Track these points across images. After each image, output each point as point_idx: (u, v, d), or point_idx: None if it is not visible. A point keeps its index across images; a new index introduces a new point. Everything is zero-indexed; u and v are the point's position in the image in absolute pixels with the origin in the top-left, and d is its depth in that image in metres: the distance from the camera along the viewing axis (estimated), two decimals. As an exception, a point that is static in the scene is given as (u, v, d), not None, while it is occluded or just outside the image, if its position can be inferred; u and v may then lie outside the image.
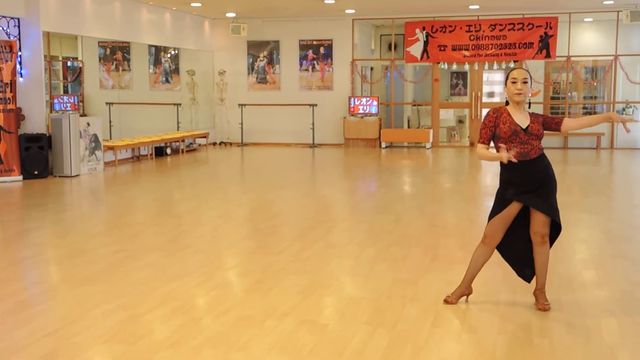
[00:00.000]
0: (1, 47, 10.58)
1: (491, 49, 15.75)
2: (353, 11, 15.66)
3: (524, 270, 4.59)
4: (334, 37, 16.68)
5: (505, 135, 4.31)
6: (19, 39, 11.12)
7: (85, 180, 11.01)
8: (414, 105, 18.29)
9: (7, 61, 10.65)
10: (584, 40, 16.61)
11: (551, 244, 4.52)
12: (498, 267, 4.98)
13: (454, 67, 16.56)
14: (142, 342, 3.95)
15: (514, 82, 4.34)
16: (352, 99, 16.33)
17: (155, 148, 14.26)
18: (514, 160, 4.16)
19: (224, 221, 7.68)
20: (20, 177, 10.80)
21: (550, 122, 4.41)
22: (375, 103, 16.26)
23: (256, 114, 17.10)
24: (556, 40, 15.42)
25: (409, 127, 17.89)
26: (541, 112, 16.98)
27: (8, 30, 10.95)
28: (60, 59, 14.30)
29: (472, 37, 15.84)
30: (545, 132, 4.40)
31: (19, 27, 11.14)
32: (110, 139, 13.39)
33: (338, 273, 5.46)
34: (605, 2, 14.43)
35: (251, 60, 17.23)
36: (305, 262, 5.74)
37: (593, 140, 15.74)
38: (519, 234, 4.50)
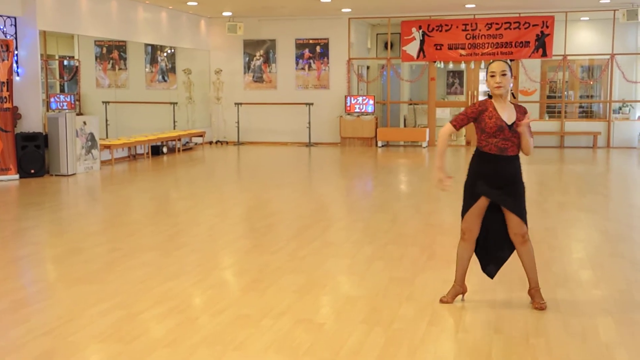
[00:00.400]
0: (-3, 45, 10.57)
1: (487, 47, 15.76)
2: (349, 10, 15.66)
3: (488, 267, 4.60)
4: (330, 36, 16.67)
5: (490, 131, 4.32)
6: (16, 38, 11.09)
7: (82, 179, 10.99)
8: (410, 104, 18.30)
9: (3, 60, 10.63)
10: (581, 39, 16.64)
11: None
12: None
13: (450, 66, 16.58)
14: (138, 341, 3.94)
15: (492, 76, 4.33)
16: (349, 98, 16.33)
17: (152, 147, 14.25)
18: (442, 190, 4.56)
19: (220, 220, 7.67)
20: (17, 176, 10.77)
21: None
22: (371, 102, 16.26)
23: (252, 112, 17.10)
24: (552, 39, 15.44)
25: (405, 126, 17.90)
26: (537, 112, 16.56)
27: (4, 29, 10.93)
28: (57, 57, 14.27)
29: (468, 36, 15.85)
30: None
31: (15, 26, 11.11)
32: (107, 137, 13.38)
33: (334, 272, 5.47)
34: (601, 1, 14.46)
35: (247, 59, 17.22)
36: (302, 261, 5.74)
37: (589, 139, 15.76)
38: (492, 230, 4.50)
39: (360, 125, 16.32)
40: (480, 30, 15.78)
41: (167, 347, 3.85)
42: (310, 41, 16.81)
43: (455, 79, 19.50)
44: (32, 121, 11.28)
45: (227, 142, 17.20)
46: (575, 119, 16.56)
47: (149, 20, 14.71)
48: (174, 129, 15.96)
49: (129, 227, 7.29)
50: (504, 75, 4.29)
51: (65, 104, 13.59)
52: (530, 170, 12.35)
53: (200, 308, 4.60)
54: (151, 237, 6.78)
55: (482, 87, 17.60)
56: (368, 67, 18.04)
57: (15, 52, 11.04)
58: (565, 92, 16.63)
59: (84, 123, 11.73)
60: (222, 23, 16.84)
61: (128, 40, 14.35)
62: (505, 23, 15.64)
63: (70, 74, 14.46)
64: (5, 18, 10.93)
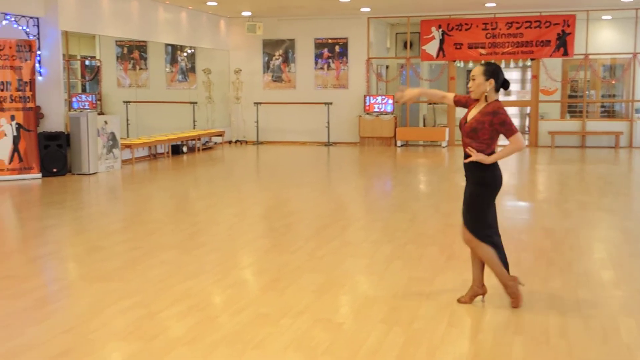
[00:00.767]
0: (20, 46, 10.68)
1: (508, 47, 15.66)
2: (368, 9, 15.63)
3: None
4: (349, 36, 16.66)
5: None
6: (38, 39, 11.22)
7: (103, 178, 11.08)
8: (430, 103, 18.21)
9: (26, 60, 10.75)
10: (602, 38, 16.46)
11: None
12: (515, 267, 4.94)
13: (470, 65, 16.47)
14: (158, 339, 3.97)
15: (472, 80, 4.44)
16: (368, 98, 16.31)
17: (172, 146, 14.34)
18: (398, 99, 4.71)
19: (239, 219, 7.70)
20: (39, 175, 10.89)
21: (499, 129, 4.31)
22: (390, 101, 16.22)
23: (271, 112, 17.14)
24: (574, 38, 15.29)
25: (424, 125, 17.83)
26: (558, 111, 16.27)
27: (27, 30, 11.05)
28: (79, 58, 14.41)
29: (488, 35, 15.76)
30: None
31: (38, 26, 11.24)
32: (128, 137, 13.48)
33: (353, 272, 5.46)
34: (623, 0, 14.29)
35: (266, 58, 17.25)
36: (321, 261, 5.74)
37: (611, 139, 15.59)
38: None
39: (379, 124, 16.29)
40: (500, 29, 15.68)
41: (186, 345, 3.87)
42: (330, 41, 16.81)
43: (475, 78, 19.38)
44: (54, 121, 11.40)
45: (246, 142, 17.25)
46: (597, 119, 16.39)
47: (169, 21, 14.80)
48: (194, 128, 16.05)
49: (149, 226, 7.34)
50: (473, 79, 4.39)
51: (86, 103, 13.73)
52: (551, 170, 12.25)
53: (220, 307, 4.62)
54: (171, 236, 6.82)
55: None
56: (387, 67, 18.00)
57: (38, 53, 11.16)
58: (587, 92, 16.47)
59: (105, 122, 11.83)
60: (241, 23, 16.90)
61: (148, 40, 14.45)
62: (526, 22, 15.52)
63: (92, 74, 14.59)
64: (27, 19, 11.06)
